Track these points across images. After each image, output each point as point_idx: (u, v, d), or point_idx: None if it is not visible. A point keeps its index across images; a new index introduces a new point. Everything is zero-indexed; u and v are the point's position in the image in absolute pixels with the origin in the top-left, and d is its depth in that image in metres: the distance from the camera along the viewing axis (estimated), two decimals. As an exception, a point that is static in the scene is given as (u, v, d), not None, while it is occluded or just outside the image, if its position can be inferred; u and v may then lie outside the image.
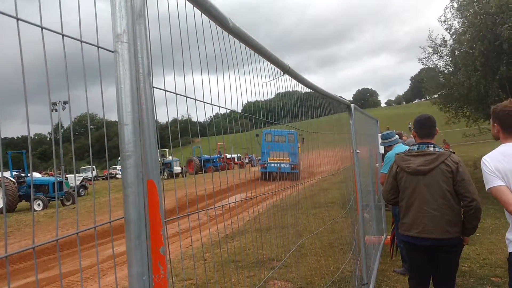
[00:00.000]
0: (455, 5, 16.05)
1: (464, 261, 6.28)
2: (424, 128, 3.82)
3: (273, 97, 2.79)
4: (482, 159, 3.10)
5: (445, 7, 16.76)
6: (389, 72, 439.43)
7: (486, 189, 3.06)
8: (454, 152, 3.71)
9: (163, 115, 1.44)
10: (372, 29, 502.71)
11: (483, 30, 13.69)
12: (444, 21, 16.49)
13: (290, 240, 3.65)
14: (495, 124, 3.22)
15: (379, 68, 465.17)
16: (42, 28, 0.89)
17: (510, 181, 2.92)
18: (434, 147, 3.70)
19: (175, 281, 6.27)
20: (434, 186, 3.56)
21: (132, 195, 1.05)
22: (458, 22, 16.22)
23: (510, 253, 3.06)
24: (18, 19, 0.83)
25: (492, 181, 2.97)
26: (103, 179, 50.64)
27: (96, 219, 1.31)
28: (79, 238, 1.10)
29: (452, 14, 16.44)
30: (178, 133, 1.45)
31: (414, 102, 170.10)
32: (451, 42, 16.65)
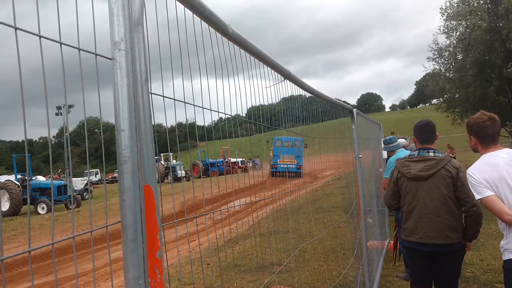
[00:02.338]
0: (449, 14, 16.36)
1: (467, 267, 6.24)
2: (424, 134, 3.83)
3: (277, 102, 2.81)
4: (467, 171, 3.11)
5: (441, 20, 17.07)
6: (396, 76, 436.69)
7: (476, 200, 3.07)
8: (455, 157, 3.71)
9: (169, 121, 1.46)
10: (380, 32, 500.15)
11: (475, 40, 13.91)
12: (445, 32, 16.78)
13: (293, 245, 3.65)
14: (472, 137, 3.25)
15: (386, 72, 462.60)
16: (40, 37, 0.91)
17: (500, 189, 2.92)
18: (434, 152, 3.70)
19: (178, 285, 6.27)
20: (434, 191, 3.55)
21: (129, 200, 1.07)
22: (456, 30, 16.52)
23: (505, 261, 3.07)
24: (16, 29, 0.85)
25: (482, 191, 2.96)
26: (107, 182, 50.70)
27: (97, 223, 1.33)
28: (75, 242, 1.12)
29: (446, 24, 16.74)
30: (176, 138, 1.46)
31: (418, 106, 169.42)
32: (447, 50, 16.92)
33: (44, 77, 0.95)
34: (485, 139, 3.15)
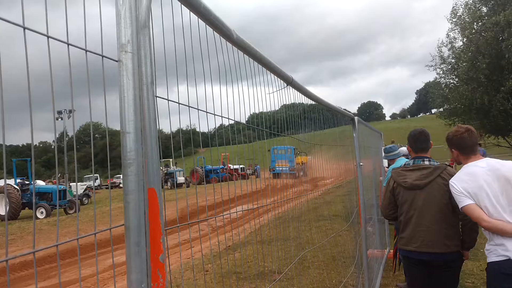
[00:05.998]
0: (458, 21, 16.28)
1: (467, 277, 6.21)
2: (418, 143, 3.84)
3: (278, 108, 2.81)
4: (450, 181, 3.27)
5: (448, 29, 17.02)
6: (401, 85, 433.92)
7: (459, 209, 3.20)
8: (452, 166, 3.74)
9: (171, 126, 1.46)
10: (388, 40, 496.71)
11: (483, 46, 13.91)
12: (450, 43, 16.75)
13: (293, 252, 3.63)
14: (453, 150, 3.39)
15: (392, 81, 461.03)
16: (48, 37, 0.91)
17: (479, 198, 3.04)
18: (429, 160, 3.70)
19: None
20: (431, 200, 3.55)
21: (133, 202, 1.06)
22: (461, 40, 16.46)
23: (489, 263, 3.10)
24: (25, 28, 0.85)
25: (462, 201, 3.11)
26: (106, 188, 50.50)
27: (98, 228, 1.32)
28: (79, 243, 1.11)
29: (453, 35, 16.70)
30: (181, 143, 1.46)
31: (419, 116, 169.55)
32: (451, 58, 16.87)
33: (52, 79, 0.95)
34: (465, 150, 3.29)
